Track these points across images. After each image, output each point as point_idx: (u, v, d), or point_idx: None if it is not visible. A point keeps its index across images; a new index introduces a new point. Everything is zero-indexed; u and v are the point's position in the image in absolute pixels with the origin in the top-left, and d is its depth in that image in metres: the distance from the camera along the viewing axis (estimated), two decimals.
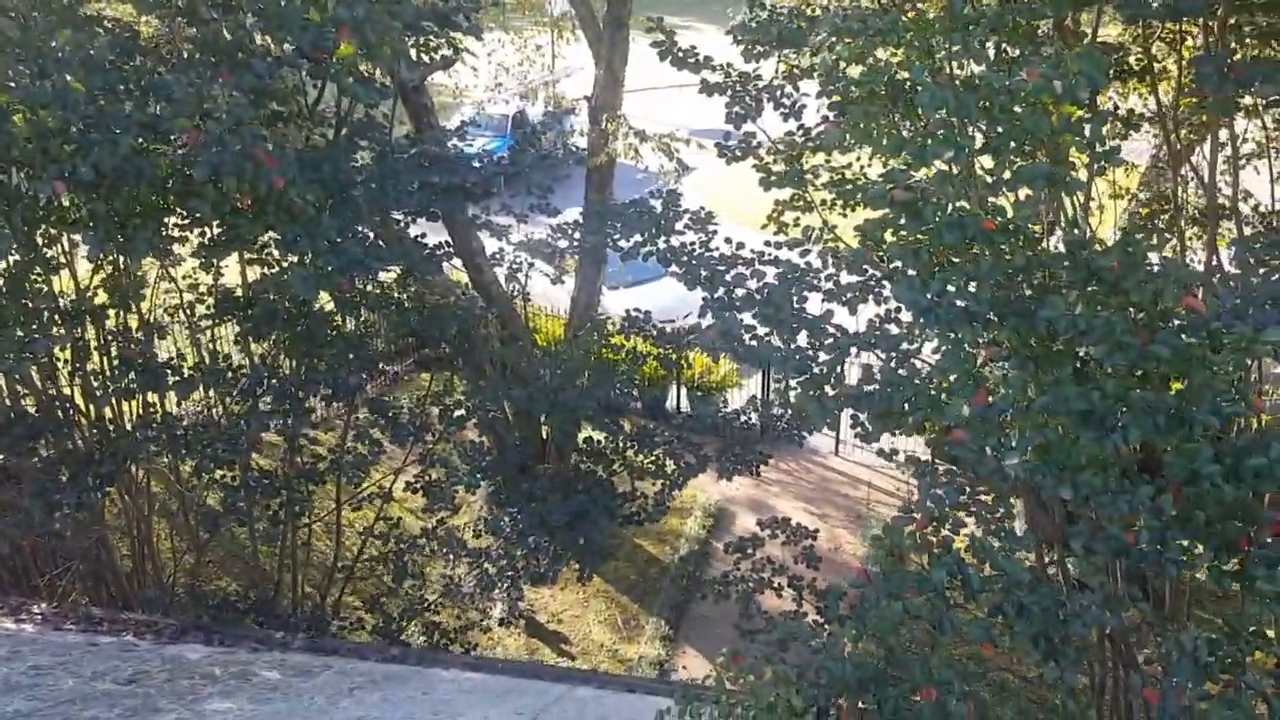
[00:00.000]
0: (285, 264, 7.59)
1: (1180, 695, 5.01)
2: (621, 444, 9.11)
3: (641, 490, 9.61)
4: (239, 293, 8.41)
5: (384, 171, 7.19)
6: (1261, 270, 5.31)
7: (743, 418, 9.61)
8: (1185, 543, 5.12)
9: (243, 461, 8.57)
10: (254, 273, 8.26)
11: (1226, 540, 5.02)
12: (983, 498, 6.46)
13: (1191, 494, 5.04)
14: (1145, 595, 8.60)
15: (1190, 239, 7.78)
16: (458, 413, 9.28)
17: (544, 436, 12.25)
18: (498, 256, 10.11)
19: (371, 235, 7.64)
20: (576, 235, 8.01)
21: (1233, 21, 6.10)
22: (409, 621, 10.15)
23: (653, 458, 9.05)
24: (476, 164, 8.12)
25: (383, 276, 8.80)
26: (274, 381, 8.30)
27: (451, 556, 10.11)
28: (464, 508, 13.36)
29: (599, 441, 9.44)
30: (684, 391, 16.06)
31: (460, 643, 10.19)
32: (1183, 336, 4.81)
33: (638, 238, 7.15)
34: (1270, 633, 5.12)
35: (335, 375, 8.00)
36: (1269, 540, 4.80)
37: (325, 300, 8.18)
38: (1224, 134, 7.74)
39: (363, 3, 6.10)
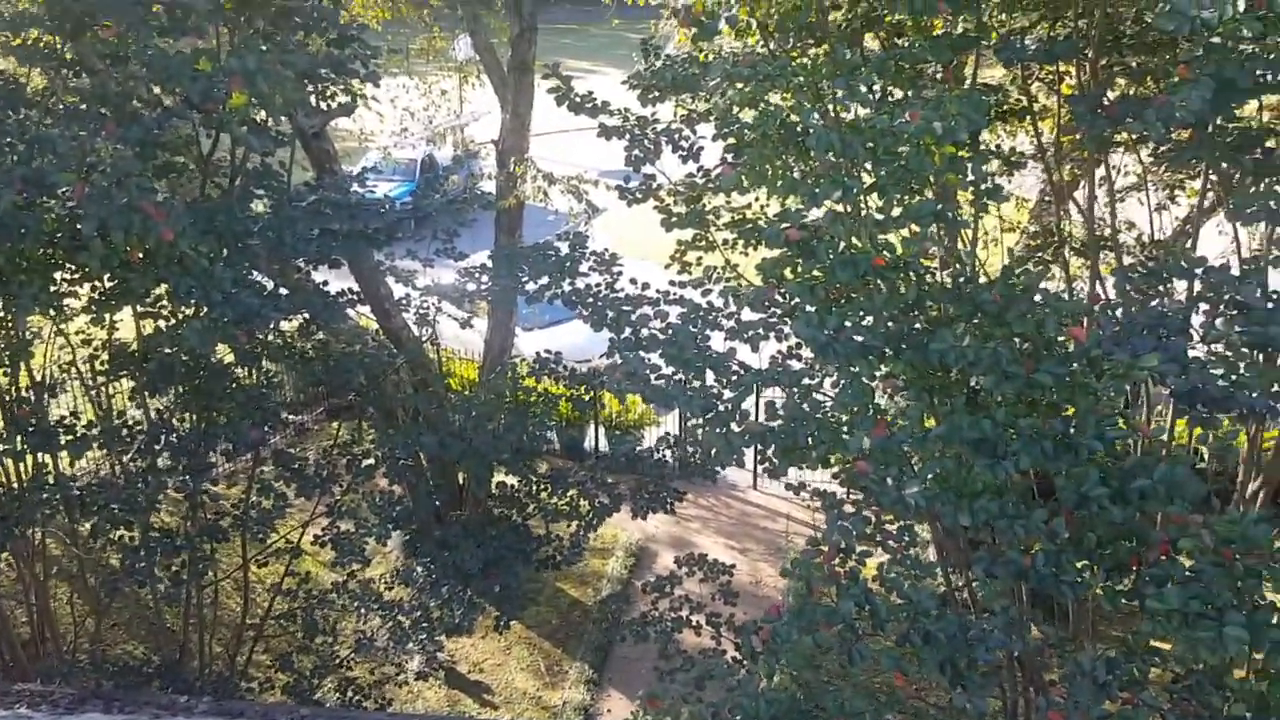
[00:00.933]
0: (180, 317, 7.41)
1: (1084, 716, 5.13)
2: (535, 487, 9.04)
3: (557, 533, 9.54)
4: (134, 347, 8.17)
5: (281, 220, 7.09)
6: (1140, 299, 5.53)
7: (657, 455, 9.62)
8: (1080, 564, 5.29)
9: (142, 520, 8.29)
10: (149, 326, 8.04)
11: (1118, 561, 5.18)
12: (889, 527, 6.57)
13: (1083, 517, 5.20)
14: (1052, 617, 8.83)
15: (1077, 270, 8.09)
16: (366, 462, 9.12)
17: (460, 483, 12.11)
18: (404, 302, 10.02)
19: (270, 285, 7.51)
20: (484, 278, 7.99)
21: (1105, 62, 6.40)
22: (322, 679, 9.87)
23: (567, 499, 9.00)
24: (379, 209, 8.06)
25: (285, 326, 8.64)
26: (172, 437, 8.07)
27: (363, 610, 9.87)
28: (379, 559, 13.11)
29: (512, 486, 9.35)
30: (602, 431, 16.04)
31: (375, 698, 9.94)
32: (1066, 365, 4.99)
33: (544, 280, 7.17)
34: (1166, 648, 5.27)
35: (236, 429, 7.81)
36: (1158, 559, 4.97)
37: (225, 352, 8.00)
38: (1107, 169, 8.11)
39: (254, 53, 6.04)
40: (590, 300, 6.71)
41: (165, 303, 7.79)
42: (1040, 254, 7.85)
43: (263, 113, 6.93)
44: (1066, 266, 7.63)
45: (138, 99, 7.02)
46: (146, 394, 8.18)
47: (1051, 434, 4.99)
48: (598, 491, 8.91)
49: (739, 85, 5.80)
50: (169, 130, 6.91)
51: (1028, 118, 6.95)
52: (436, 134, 17.02)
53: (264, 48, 6.50)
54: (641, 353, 6.60)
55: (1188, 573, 4.79)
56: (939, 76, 6.19)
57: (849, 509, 6.16)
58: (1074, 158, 7.31)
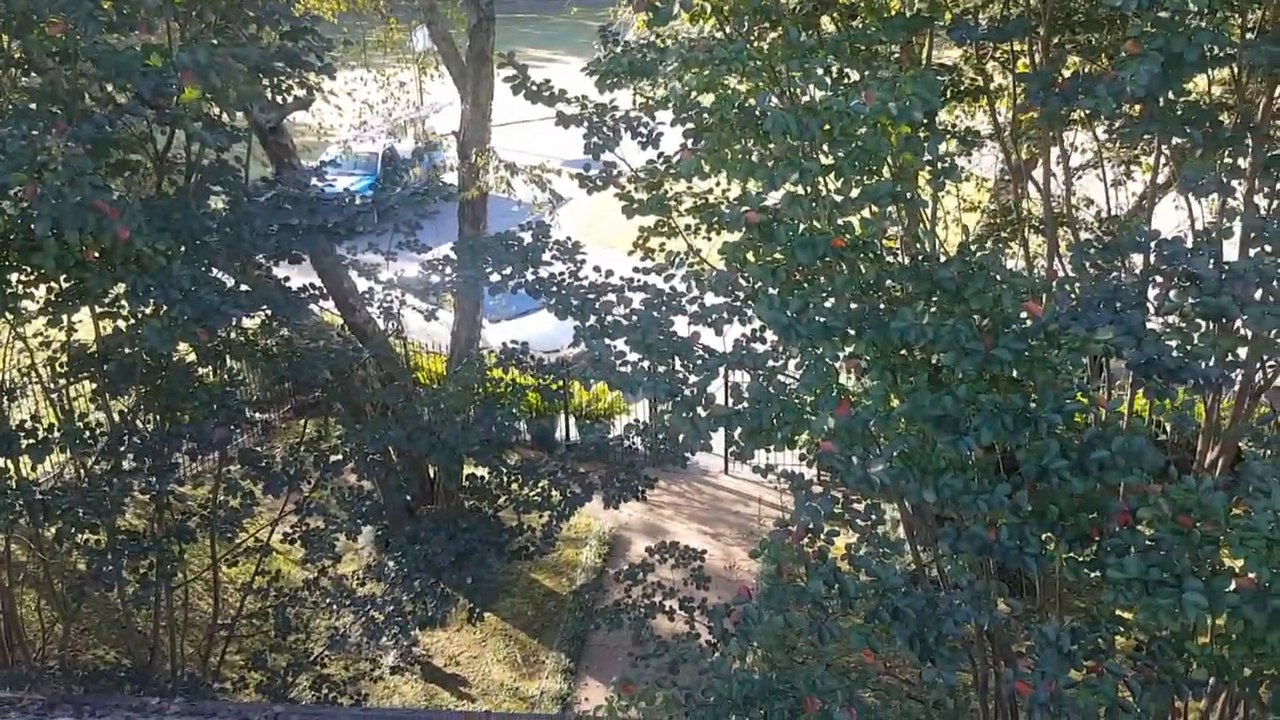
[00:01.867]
0: (139, 316, 7.32)
1: (1050, 685, 5.20)
2: (506, 478, 9.03)
3: (529, 524, 9.54)
4: (93, 348, 8.07)
5: (239, 216, 7.02)
6: (1096, 273, 5.60)
7: (627, 443, 9.64)
8: (1043, 536, 5.36)
9: (108, 523, 8.20)
10: (108, 327, 7.94)
11: (1079, 532, 5.26)
12: (856, 506, 6.63)
13: (1045, 489, 5.27)
14: (1020, 589, 8.94)
15: (1037, 247, 8.17)
16: (334, 458, 9.07)
17: (430, 476, 12.07)
18: (368, 295, 9.96)
19: (230, 282, 7.44)
20: (448, 271, 7.95)
21: (1057, 40, 6.46)
22: (296, 676, 9.83)
23: (538, 490, 9.00)
24: (339, 204, 8.01)
25: (248, 323, 8.56)
26: (136, 439, 7.98)
27: (336, 606, 9.83)
28: (351, 555, 13.05)
29: (483, 478, 9.34)
30: (572, 420, 16.03)
31: (350, 694, 9.91)
32: (1024, 340, 5.05)
33: (507, 270, 7.15)
34: (1129, 617, 5.35)
35: (200, 428, 7.74)
36: (1118, 530, 5.04)
37: (187, 351, 7.92)
38: (1066, 145, 8.18)
39: (205, 47, 5.96)
40: (554, 289, 6.70)
41: (123, 302, 7.68)
42: (999, 232, 7.93)
43: (217, 108, 6.85)
44: (1026, 244, 7.71)
45: (89, 96, 6.92)
46: (108, 395, 8.08)
47: (1011, 409, 5.05)
48: (569, 481, 8.91)
49: (695, 70, 5.81)
50: (122, 127, 6.82)
51: (984, 97, 7.01)
52: (397, 127, 16.89)
53: (215, 42, 6.43)
54: (606, 340, 6.61)
55: (1147, 542, 4.87)
56: (895, 58, 6.23)
57: (816, 489, 6.22)
58: (1031, 136, 7.38)
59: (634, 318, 6.33)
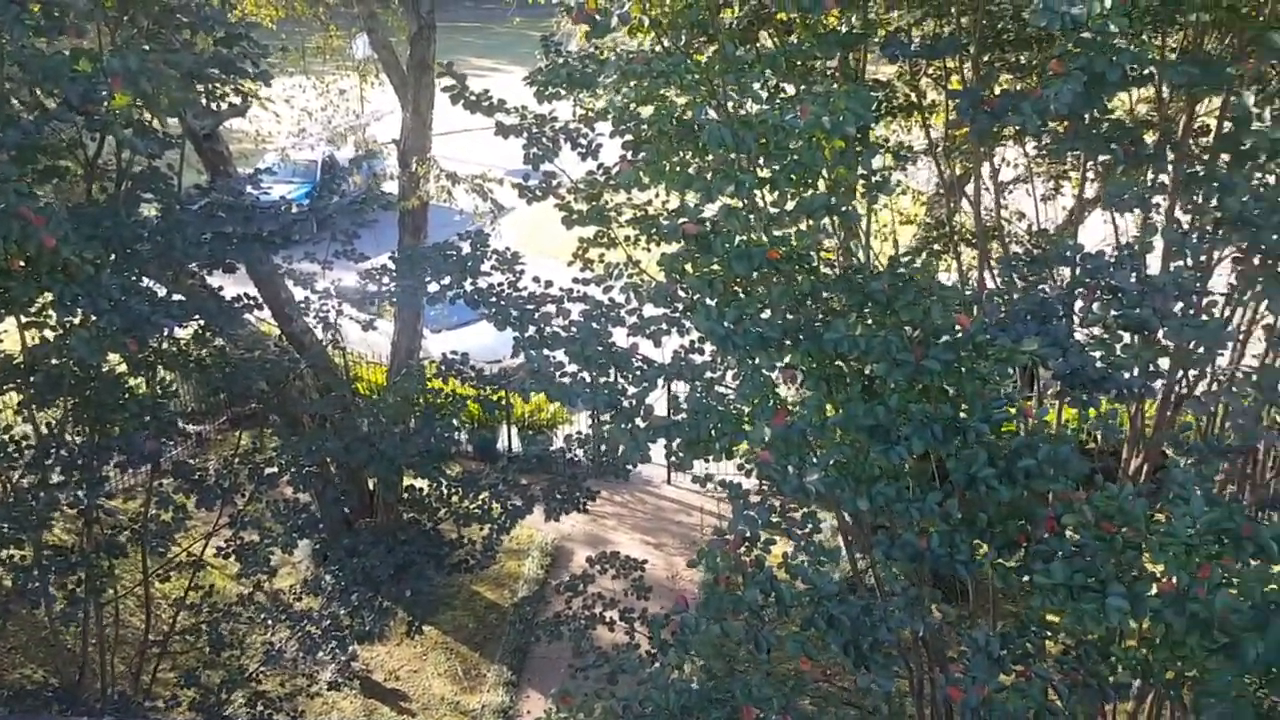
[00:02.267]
0: (67, 326, 7.15)
1: (981, 690, 5.29)
2: (446, 490, 8.96)
3: (469, 536, 9.47)
4: (19, 359, 7.86)
5: (171, 224, 6.89)
6: (1023, 286, 5.73)
7: (569, 454, 9.62)
8: (973, 543, 5.46)
9: (34, 538, 7.99)
10: (34, 337, 7.74)
11: (1008, 539, 5.37)
12: (794, 515, 6.68)
13: (975, 497, 5.37)
14: (955, 596, 9.08)
15: (970, 260, 8.34)
16: (269, 470, 8.93)
17: (370, 488, 11.93)
18: (304, 305, 9.83)
19: (162, 291, 7.30)
20: (385, 280, 7.89)
21: (987, 58, 6.61)
22: (231, 693, 9.64)
23: (478, 502, 8.94)
24: (275, 211, 7.89)
25: (181, 333, 8.40)
26: (64, 451, 7.78)
27: (271, 622, 9.67)
28: (289, 569, 12.84)
29: (422, 489, 9.26)
30: (514, 432, 15.96)
31: (287, 711, 9.74)
32: (953, 351, 5.15)
33: (446, 280, 7.12)
34: (1057, 621, 5.47)
35: (130, 440, 7.57)
36: (1045, 536, 5.15)
37: (117, 362, 7.75)
38: (998, 160, 8.38)
39: (136, 52, 5.86)
40: (493, 300, 6.68)
41: (50, 312, 7.51)
42: (933, 245, 8.08)
43: (148, 114, 6.73)
44: (959, 257, 7.87)
45: (15, 101, 6.76)
46: (35, 407, 7.88)
47: (941, 418, 5.15)
48: (509, 493, 8.87)
49: (634, 82, 5.85)
50: (50, 133, 6.66)
51: (917, 113, 7.14)
52: (337, 134, 16.73)
53: (146, 47, 6.32)
54: (545, 351, 6.61)
55: (1073, 548, 4.98)
56: (831, 73, 6.33)
57: (754, 499, 6.26)
58: (964, 152, 7.54)
59: (573, 329, 6.34)
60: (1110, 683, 5.25)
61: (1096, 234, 9.05)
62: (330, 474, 10.37)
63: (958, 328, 5.24)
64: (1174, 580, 4.56)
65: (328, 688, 11.24)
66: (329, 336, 10.23)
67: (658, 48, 6.15)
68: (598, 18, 5.73)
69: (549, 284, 7.06)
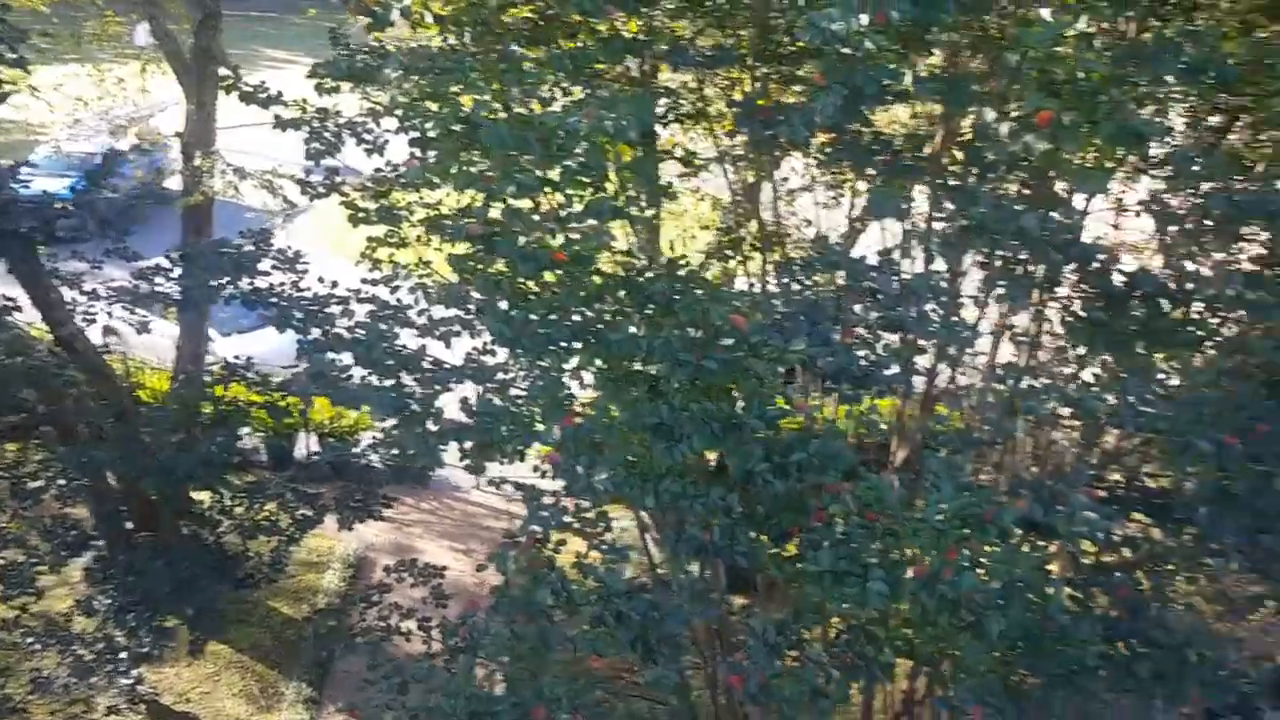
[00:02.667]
0: None
1: (760, 676, 5.50)
2: (229, 502, 8.55)
3: (257, 550, 9.07)
4: None
5: None
6: (798, 289, 5.97)
7: (365, 460, 9.38)
8: (752, 535, 5.67)
9: None
10: None
11: (782, 529, 5.62)
12: (588, 515, 6.75)
13: (753, 491, 5.59)
14: (750, 587, 9.39)
15: (758, 265, 8.63)
16: (34, 484, 8.28)
17: (153, 502, 11.24)
18: (71, 306, 9.16)
19: None
20: (158, 280, 7.45)
21: (765, 70, 6.88)
22: None
23: (266, 513, 8.58)
24: (37, 207, 7.34)
25: None
26: None
27: (40, 646, 8.96)
28: (66, 589, 11.94)
29: (202, 502, 8.81)
30: (314, 439, 15.38)
31: None
32: (730, 351, 5.34)
33: (224, 280, 6.81)
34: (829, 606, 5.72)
35: None
36: (815, 526, 5.41)
37: None
38: (787, 168, 8.70)
39: None
40: (273, 300, 6.44)
41: None
42: (725, 250, 8.35)
43: None
44: (745, 261, 8.16)
45: None
46: None
47: (720, 415, 5.32)
48: (298, 503, 8.55)
49: (415, 78, 5.77)
50: None
51: (704, 121, 7.36)
52: (117, 126, 15.68)
53: None
54: (332, 354, 6.42)
55: (840, 536, 5.25)
56: (619, 78, 6.43)
57: (548, 500, 6.29)
58: (749, 160, 7.81)
59: (358, 331, 6.19)
60: (878, 663, 5.56)
61: (881, 240, 9.55)
62: (108, 487, 9.70)
63: (735, 329, 5.43)
64: (927, 563, 4.88)
65: (106, 713, 10.52)
66: (106, 341, 9.57)
67: (439, 43, 6.10)
68: (378, 10, 5.63)
69: (334, 284, 6.87)
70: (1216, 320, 5.34)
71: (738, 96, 7.45)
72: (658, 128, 7.87)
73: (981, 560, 4.87)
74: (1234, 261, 5.95)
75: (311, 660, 12.11)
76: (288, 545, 8.64)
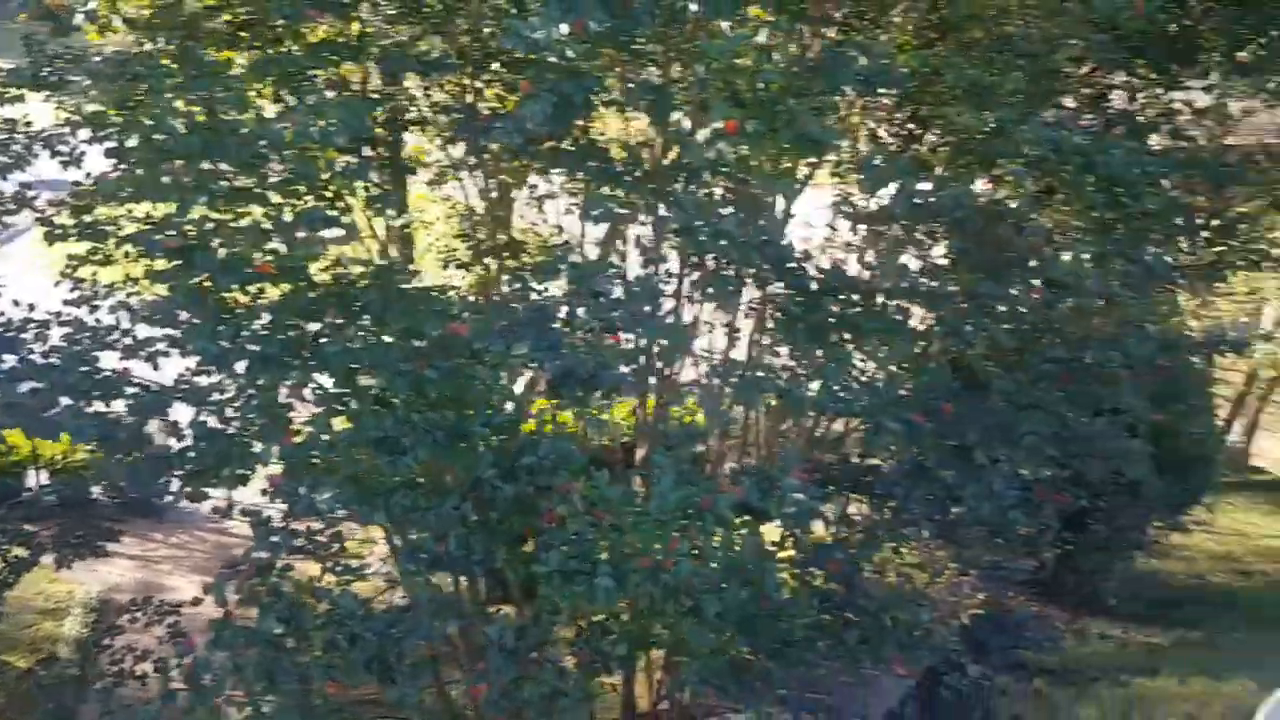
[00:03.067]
0: None
1: (501, 682, 5.49)
2: None
3: None
4: None
5: None
6: (531, 294, 5.99)
7: (89, 495, 8.68)
8: (488, 542, 5.66)
9: None
10: None
11: (516, 534, 5.64)
12: (319, 538, 6.52)
13: (485, 498, 5.57)
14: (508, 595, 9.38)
15: (494, 273, 8.61)
16: None
17: None
18: None
19: None
20: None
21: (485, 77, 6.90)
22: None
23: None
24: None
25: None
26: None
27: None
28: None
29: None
30: (45, 474, 14.10)
31: None
32: (452, 359, 5.30)
33: None
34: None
35: None
36: (546, 528, 5.45)
37: None
38: (535, 177, 8.70)
39: None
40: None
41: None
42: (461, 259, 8.29)
43: None
44: (488, 269, 8.12)
45: None
46: None
47: (444, 424, 5.27)
48: (8, 543, 7.81)
49: (106, 85, 5.41)
50: None
51: (431, 128, 7.28)
52: None
53: None
54: (30, 382, 5.91)
55: (572, 535, 5.31)
56: (328, 83, 6.25)
57: (278, 524, 6.03)
58: (503, 167, 7.77)
59: (53, 356, 5.72)
60: (614, 656, 5.67)
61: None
62: None
63: (456, 337, 5.39)
64: (650, 554, 5.02)
65: None
66: None
67: (135, 49, 5.75)
68: (60, 15, 5.25)
69: (31, 307, 6.32)
70: (900, 315, 5.77)
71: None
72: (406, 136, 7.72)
73: (698, 547, 5.05)
74: (926, 258, 6.46)
75: (48, 716, 11.12)
76: (1, 591, 7.87)
